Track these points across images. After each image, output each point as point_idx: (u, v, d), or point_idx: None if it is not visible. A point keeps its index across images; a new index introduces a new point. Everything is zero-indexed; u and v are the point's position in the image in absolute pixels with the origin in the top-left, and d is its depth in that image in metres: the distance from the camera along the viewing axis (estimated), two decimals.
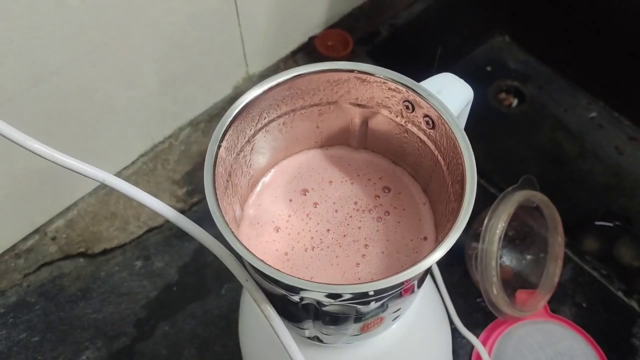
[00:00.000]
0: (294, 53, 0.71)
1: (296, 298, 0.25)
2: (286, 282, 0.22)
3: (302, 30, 0.70)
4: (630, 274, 0.65)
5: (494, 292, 0.48)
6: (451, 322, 0.50)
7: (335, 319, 0.27)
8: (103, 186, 0.61)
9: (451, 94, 0.28)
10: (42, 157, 0.25)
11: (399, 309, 0.29)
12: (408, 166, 0.31)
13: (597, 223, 0.70)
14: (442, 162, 0.28)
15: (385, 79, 0.27)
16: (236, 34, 0.61)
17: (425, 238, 0.30)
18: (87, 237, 0.59)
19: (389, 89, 0.28)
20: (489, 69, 0.82)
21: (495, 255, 0.47)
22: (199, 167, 0.63)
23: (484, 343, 0.51)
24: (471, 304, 0.55)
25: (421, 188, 0.31)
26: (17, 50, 0.44)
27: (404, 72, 0.27)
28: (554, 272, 0.53)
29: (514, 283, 0.55)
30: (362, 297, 0.24)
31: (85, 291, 0.56)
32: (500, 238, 0.47)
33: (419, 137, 0.29)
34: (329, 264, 0.29)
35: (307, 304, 0.25)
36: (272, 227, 0.30)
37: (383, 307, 0.27)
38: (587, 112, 0.77)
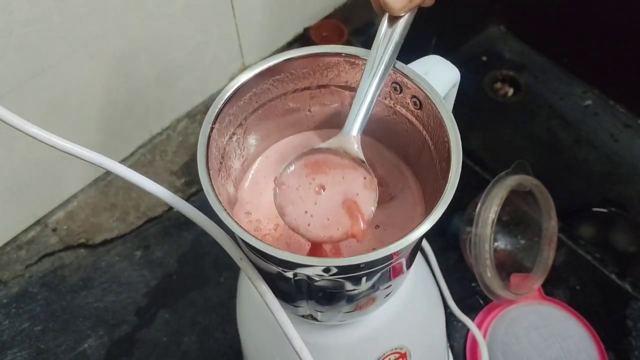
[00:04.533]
0: (289, 44, 0.71)
1: (289, 274, 0.26)
2: (278, 256, 0.23)
3: (297, 21, 0.71)
4: (626, 258, 0.66)
5: (488, 274, 0.49)
6: (447, 307, 0.50)
7: (328, 298, 0.28)
8: (103, 178, 0.62)
9: (438, 75, 0.29)
10: (40, 141, 0.26)
11: (390, 285, 0.30)
12: (398, 147, 0.32)
13: (594, 209, 0.71)
14: (430, 142, 0.28)
15: None
16: (231, 26, 0.62)
17: (415, 218, 0.30)
18: (87, 228, 0.60)
19: None
20: (484, 59, 0.82)
21: (488, 238, 0.48)
22: (196, 158, 0.64)
23: (479, 326, 0.52)
24: (467, 288, 0.56)
25: (411, 169, 0.32)
26: (17, 43, 0.45)
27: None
28: (548, 255, 0.54)
29: (508, 267, 0.55)
30: (353, 271, 0.24)
31: (87, 281, 0.57)
32: (493, 221, 0.48)
33: (407, 118, 0.29)
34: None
35: (300, 279, 0.26)
36: (266, 208, 0.30)
37: (374, 288, 0.28)
38: (582, 100, 0.78)
